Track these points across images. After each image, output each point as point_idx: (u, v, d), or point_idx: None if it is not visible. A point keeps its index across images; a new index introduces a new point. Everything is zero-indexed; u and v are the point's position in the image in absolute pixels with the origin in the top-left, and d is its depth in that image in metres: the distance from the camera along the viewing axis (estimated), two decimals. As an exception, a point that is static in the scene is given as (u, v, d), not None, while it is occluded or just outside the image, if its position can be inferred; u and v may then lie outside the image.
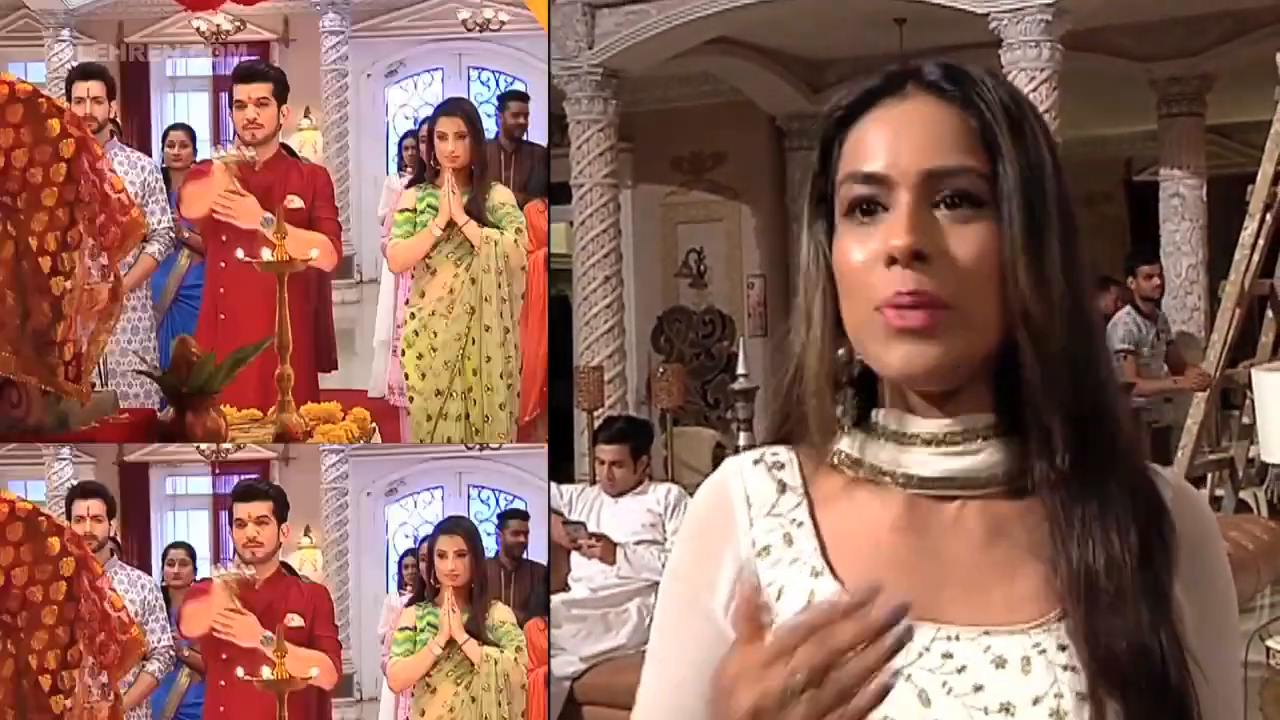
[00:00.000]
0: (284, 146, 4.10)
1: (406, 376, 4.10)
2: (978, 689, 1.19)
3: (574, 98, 10.26)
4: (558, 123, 10.70)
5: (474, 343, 4.07)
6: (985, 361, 1.23)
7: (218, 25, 4.07)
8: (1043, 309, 1.20)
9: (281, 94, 4.04)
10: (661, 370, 9.80)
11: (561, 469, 9.85)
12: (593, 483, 6.45)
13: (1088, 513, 1.21)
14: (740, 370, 9.05)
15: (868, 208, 1.23)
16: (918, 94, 1.25)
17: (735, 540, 1.30)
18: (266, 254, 3.90)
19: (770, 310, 12.21)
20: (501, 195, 4.06)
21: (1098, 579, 1.19)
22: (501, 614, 4.11)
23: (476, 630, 4.07)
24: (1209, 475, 8.43)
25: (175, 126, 4.21)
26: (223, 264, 4.09)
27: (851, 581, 1.23)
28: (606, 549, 5.83)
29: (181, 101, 4.26)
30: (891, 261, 1.19)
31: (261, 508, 4.07)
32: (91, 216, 3.51)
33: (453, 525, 4.14)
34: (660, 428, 9.11)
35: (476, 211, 4.03)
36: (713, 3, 9.77)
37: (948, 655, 1.20)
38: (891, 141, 1.23)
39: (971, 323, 1.20)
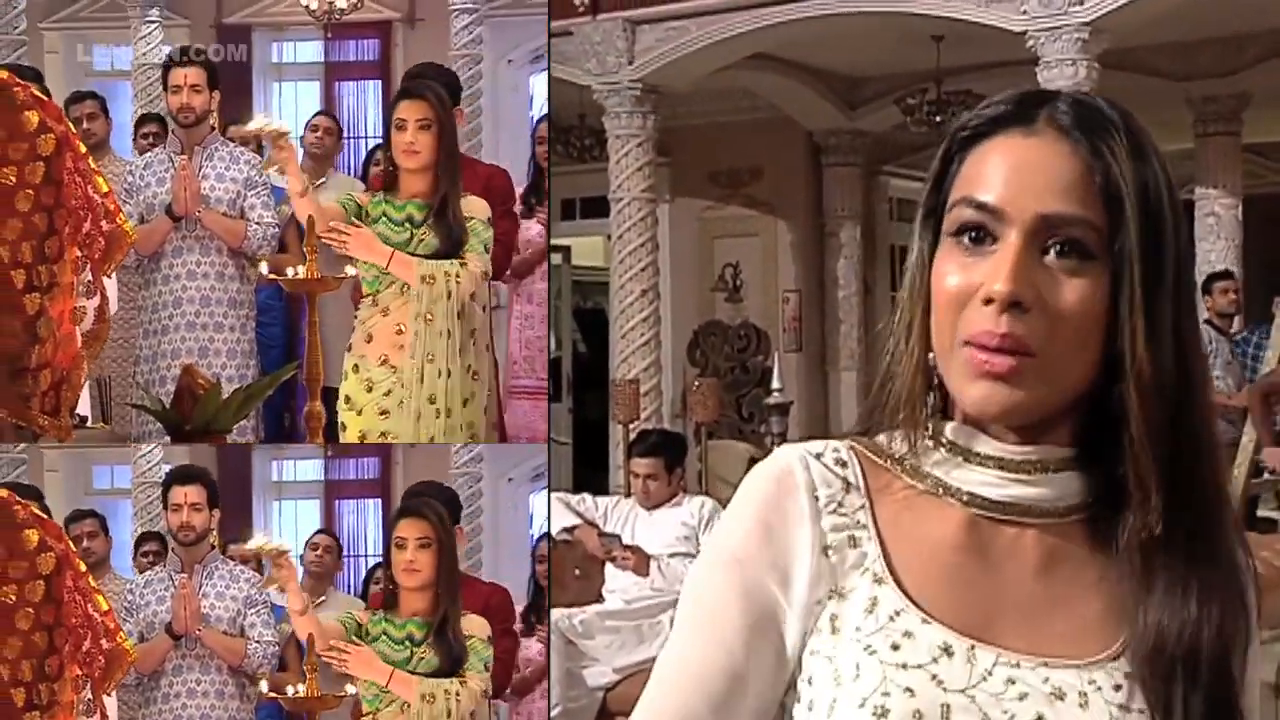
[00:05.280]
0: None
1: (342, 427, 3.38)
2: (1039, 719, 1.20)
3: (613, 112, 10.34)
4: (597, 137, 10.81)
5: (431, 403, 3.35)
6: (1067, 403, 1.23)
7: (330, 3, 3.52)
8: (1154, 372, 1.19)
9: (450, 108, 3.45)
10: (696, 384, 9.83)
11: (596, 481, 9.91)
12: (627, 495, 6.51)
13: (1172, 576, 1.21)
14: (775, 385, 9.11)
15: (976, 235, 1.22)
16: (1047, 130, 1.23)
17: (807, 531, 1.27)
18: (291, 270, 3.38)
19: (805, 325, 12.25)
20: (473, 206, 3.41)
21: (1168, 644, 1.20)
22: (473, 625, 3.40)
23: (444, 646, 3.35)
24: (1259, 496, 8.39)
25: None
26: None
27: (914, 593, 1.24)
28: (640, 561, 5.89)
29: (289, 92, 3.72)
30: (989, 301, 1.19)
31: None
32: (77, 225, 3.08)
33: (418, 508, 3.40)
34: (695, 441, 9.15)
35: (445, 226, 3.35)
36: (751, 19, 9.82)
37: (1010, 681, 1.21)
38: (1012, 175, 1.22)
39: (1053, 374, 1.20)
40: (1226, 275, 9.13)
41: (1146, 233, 1.19)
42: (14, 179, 3.02)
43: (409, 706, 3.29)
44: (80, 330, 3.12)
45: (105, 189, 3.19)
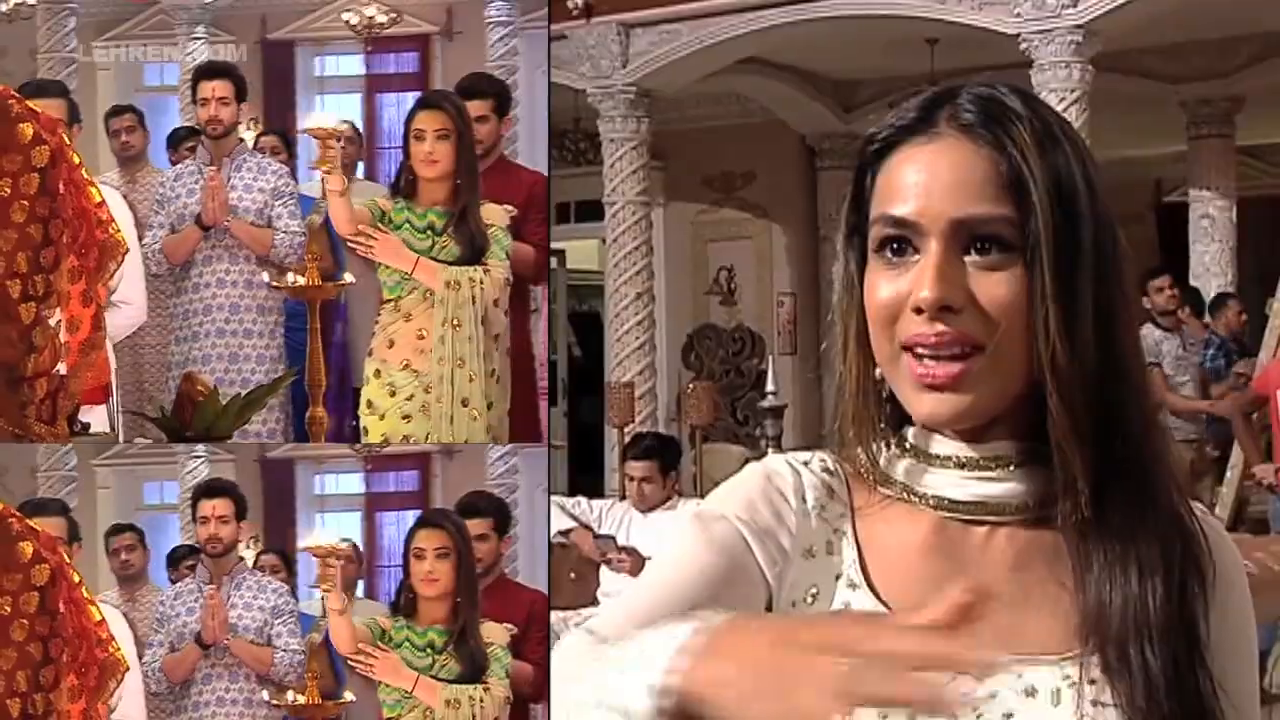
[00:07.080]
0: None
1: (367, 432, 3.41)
2: (1007, 717, 1.20)
3: (607, 116, 10.36)
4: (592, 141, 10.83)
5: (465, 405, 3.36)
6: (1017, 395, 1.23)
7: (370, 18, 3.61)
8: (1069, 356, 1.20)
9: (504, 108, 3.59)
10: (691, 387, 9.84)
11: (591, 484, 9.92)
12: (622, 498, 6.52)
13: (1108, 554, 1.22)
14: (769, 388, 9.11)
15: (897, 247, 1.23)
16: (949, 132, 1.24)
17: (788, 527, 1.28)
18: (291, 277, 3.44)
19: (800, 328, 12.26)
20: (493, 213, 3.41)
21: (1114, 619, 1.20)
22: (493, 632, 3.39)
23: (465, 652, 3.35)
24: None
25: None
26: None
27: (887, 597, 1.25)
28: (635, 564, 5.90)
29: (331, 104, 3.79)
30: (919, 310, 1.20)
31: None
32: (73, 235, 3.11)
33: (436, 518, 3.44)
34: (690, 444, 9.17)
35: (466, 233, 3.38)
36: (744, 23, 9.84)
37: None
38: (921, 186, 1.22)
39: (1001, 368, 1.21)
40: (1160, 273, 9.09)
41: (1059, 219, 1.20)
42: (9, 190, 3.04)
43: (432, 712, 3.31)
44: (76, 340, 3.14)
45: (98, 199, 3.21)
